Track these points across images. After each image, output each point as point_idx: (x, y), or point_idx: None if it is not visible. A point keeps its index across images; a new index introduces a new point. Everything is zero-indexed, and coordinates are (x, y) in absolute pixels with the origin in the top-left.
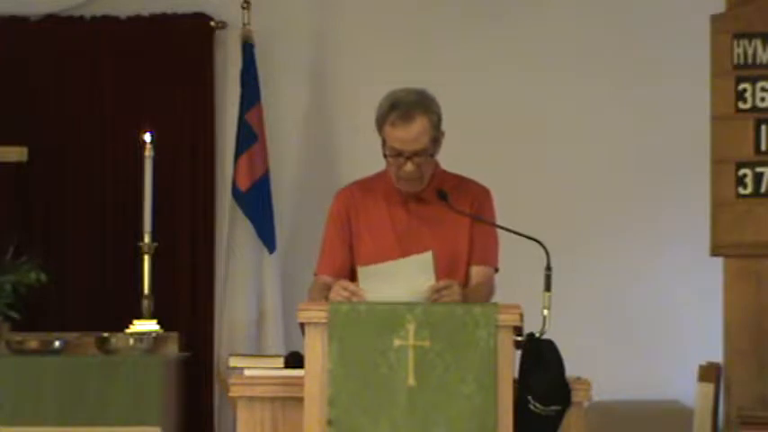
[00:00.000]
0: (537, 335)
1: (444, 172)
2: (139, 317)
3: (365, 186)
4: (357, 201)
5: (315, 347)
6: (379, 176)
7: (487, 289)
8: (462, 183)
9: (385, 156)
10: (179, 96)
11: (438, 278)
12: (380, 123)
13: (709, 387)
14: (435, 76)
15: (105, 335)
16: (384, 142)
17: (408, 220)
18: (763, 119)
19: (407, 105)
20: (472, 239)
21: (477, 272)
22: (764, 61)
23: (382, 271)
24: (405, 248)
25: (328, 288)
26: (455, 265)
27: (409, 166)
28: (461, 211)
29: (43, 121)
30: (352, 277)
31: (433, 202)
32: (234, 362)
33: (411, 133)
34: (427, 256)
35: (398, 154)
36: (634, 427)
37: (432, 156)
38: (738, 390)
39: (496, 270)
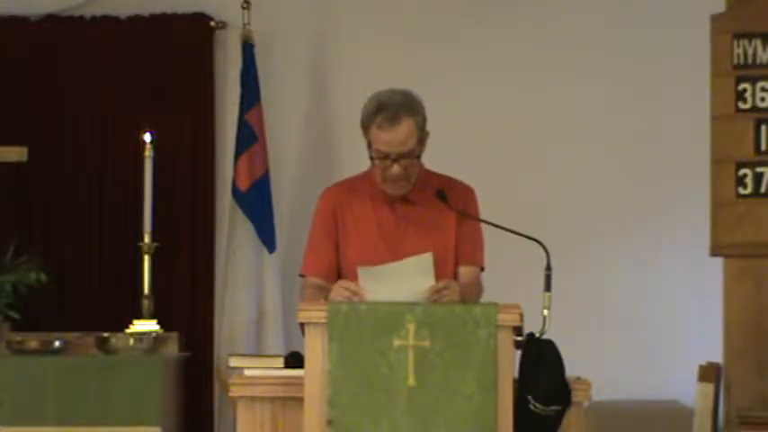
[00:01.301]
0: (537, 335)
1: (429, 172)
2: (139, 317)
3: (350, 186)
4: (343, 200)
5: (315, 347)
6: (365, 176)
7: (477, 289)
8: (447, 182)
9: (371, 158)
10: (179, 96)
11: (437, 278)
12: (366, 125)
13: (709, 387)
14: (435, 77)
15: (105, 335)
16: (369, 144)
17: (395, 220)
18: (763, 119)
19: (394, 108)
20: (459, 239)
21: (465, 272)
22: (764, 61)
23: (382, 272)
24: (392, 249)
25: (321, 289)
26: (442, 264)
27: (396, 169)
28: (461, 212)
29: (43, 121)
30: (340, 277)
31: (419, 202)
32: (234, 362)
33: (398, 136)
34: (427, 257)
35: (385, 156)
36: (634, 427)
37: (418, 157)
38: (738, 390)
39: (482, 269)
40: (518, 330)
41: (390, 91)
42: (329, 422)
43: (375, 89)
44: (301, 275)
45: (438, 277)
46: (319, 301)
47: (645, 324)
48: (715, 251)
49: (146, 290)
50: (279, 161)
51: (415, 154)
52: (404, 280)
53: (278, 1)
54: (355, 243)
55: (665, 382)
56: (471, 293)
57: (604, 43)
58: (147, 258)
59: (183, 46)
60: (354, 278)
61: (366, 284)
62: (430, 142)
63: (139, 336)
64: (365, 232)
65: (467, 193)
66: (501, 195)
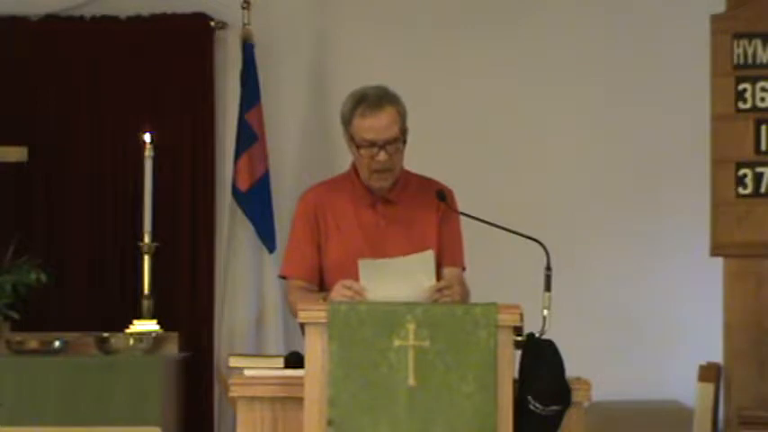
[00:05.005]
0: (537, 335)
1: (408, 172)
2: (139, 317)
3: (331, 187)
4: (324, 201)
5: (315, 347)
6: (345, 177)
7: (464, 289)
8: (427, 183)
9: (356, 150)
10: (179, 96)
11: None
12: (348, 118)
13: (709, 387)
14: (435, 77)
15: (105, 335)
16: (352, 139)
17: (376, 220)
18: (763, 119)
19: (375, 97)
20: (441, 241)
21: (449, 273)
22: (764, 61)
23: (383, 266)
24: (374, 249)
25: (307, 291)
26: None
27: (382, 156)
28: (462, 213)
29: (43, 121)
30: (322, 278)
31: (400, 202)
32: (234, 362)
33: (382, 122)
34: (428, 255)
35: (371, 144)
36: (634, 427)
37: (403, 143)
38: (738, 390)
39: (464, 269)
40: (518, 330)
41: (368, 86)
42: (329, 422)
43: None
44: (282, 277)
45: None
46: (318, 300)
47: (645, 324)
48: (715, 251)
49: (146, 290)
50: (279, 161)
51: (399, 140)
52: (405, 276)
53: (278, 1)
54: (337, 244)
55: (665, 382)
56: (462, 295)
57: (604, 43)
58: (147, 258)
59: (183, 46)
60: (335, 279)
61: (366, 278)
62: (430, 141)
63: (139, 336)
64: (347, 233)
65: (446, 194)
66: (501, 195)
